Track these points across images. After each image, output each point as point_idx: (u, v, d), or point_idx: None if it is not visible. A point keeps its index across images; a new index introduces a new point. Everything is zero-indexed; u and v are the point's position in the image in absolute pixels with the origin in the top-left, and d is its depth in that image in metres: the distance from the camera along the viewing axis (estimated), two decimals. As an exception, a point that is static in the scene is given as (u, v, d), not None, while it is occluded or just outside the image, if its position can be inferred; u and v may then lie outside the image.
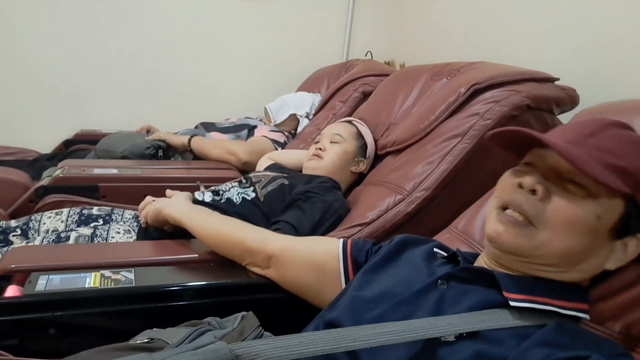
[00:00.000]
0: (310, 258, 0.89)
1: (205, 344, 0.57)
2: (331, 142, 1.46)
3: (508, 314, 0.61)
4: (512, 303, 0.61)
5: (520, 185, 0.65)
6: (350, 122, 1.53)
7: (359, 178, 1.48)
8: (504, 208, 0.66)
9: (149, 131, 2.31)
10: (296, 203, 1.23)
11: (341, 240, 0.89)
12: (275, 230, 1.09)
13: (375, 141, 1.51)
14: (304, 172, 1.48)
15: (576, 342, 0.56)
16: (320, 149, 1.45)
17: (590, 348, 0.54)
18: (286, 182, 1.33)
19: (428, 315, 0.64)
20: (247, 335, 0.67)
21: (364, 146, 1.47)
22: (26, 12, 2.35)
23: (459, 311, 0.63)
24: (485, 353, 0.57)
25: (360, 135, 1.48)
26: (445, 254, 0.77)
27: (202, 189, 1.40)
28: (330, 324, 0.71)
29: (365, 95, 1.94)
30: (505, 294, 0.62)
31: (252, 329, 0.69)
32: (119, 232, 1.16)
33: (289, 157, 1.67)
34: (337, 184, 1.37)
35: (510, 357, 0.55)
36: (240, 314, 0.73)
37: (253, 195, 1.30)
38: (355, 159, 1.46)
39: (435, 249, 0.79)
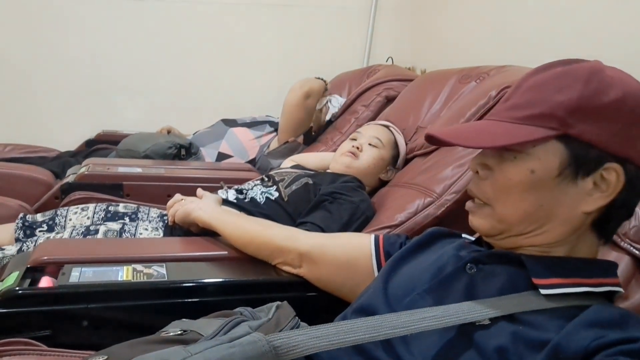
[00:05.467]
0: (342, 255, 0.88)
1: (241, 335, 0.56)
2: (369, 144, 1.42)
3: (543, 297, 0.58)
4: (543, 291, 0.58)
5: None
6: (387, 127, 1.50)
7: (381, 184, 1.46)
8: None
9: (169, 132, 2.33)
10: (323, 204, 1.21)
11: (373, 235, 0.88)
12: (302, 231, 1.07)
13: (403, 144, 1.49)
14: (331, 167, 1.46)
15: (623, 323, 0.53)
16: (357, 148, 1.42)
17: (638, 329, 0.52)
18: (310, 181, 1.32)
19: (460, 301, 0.61)
20: (283, 325, 0.65)
21: (397, 156, 1.46)
22: (49, 15, 2.39)
23: (490, 294, 0.61)
24: (524, 335, 0.55)
25: (396, 145, 1.46)
26: (472, 239, 0.76)
27: (225, 189, 1.39)
28: (361, 310, 0.70)
29: (389, 100, 1.93)
30: (535, 281, 0.59)
31: (289, 319, 0.66)
32: (146, 229, 1.15)
33: (311, 159, 1.65)
34: (362, 184, 1.35)
35: (555, 340, 0.52)
36: (274, 304, 0.70)
37: (277, 194, 1.29)
38: (387, 167, 1.45)
39: (464, 235, 0.77)
